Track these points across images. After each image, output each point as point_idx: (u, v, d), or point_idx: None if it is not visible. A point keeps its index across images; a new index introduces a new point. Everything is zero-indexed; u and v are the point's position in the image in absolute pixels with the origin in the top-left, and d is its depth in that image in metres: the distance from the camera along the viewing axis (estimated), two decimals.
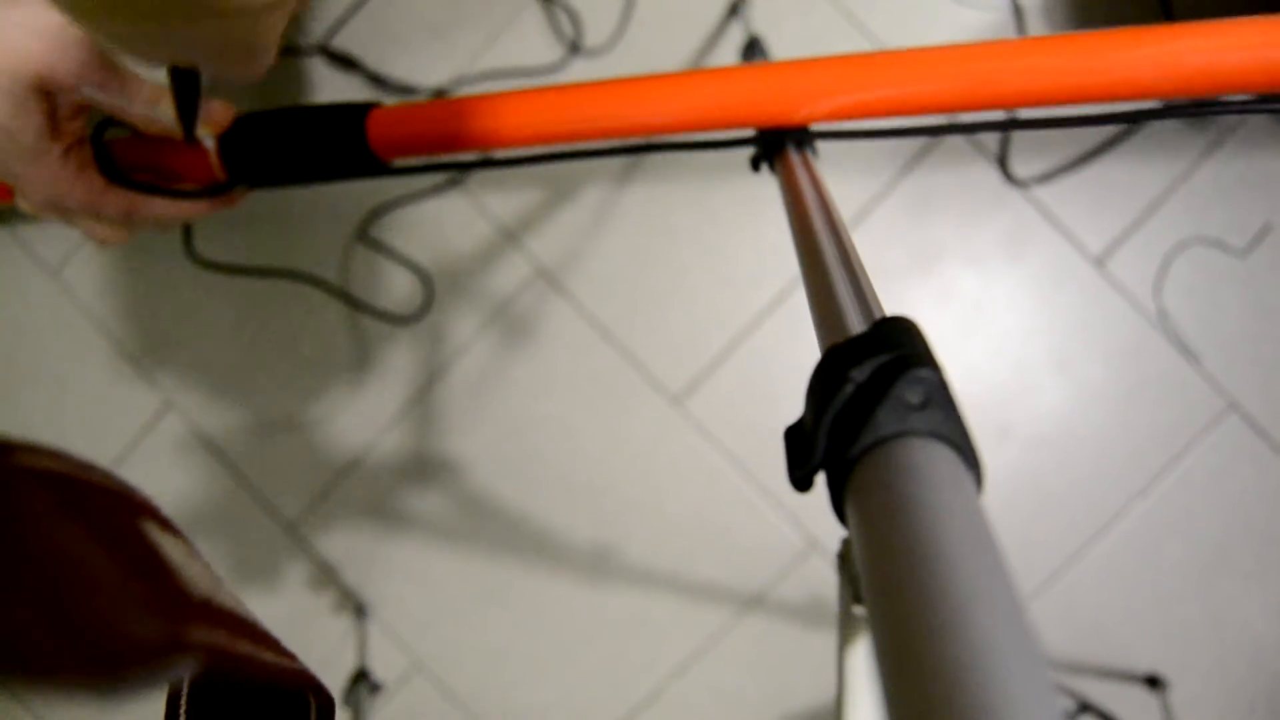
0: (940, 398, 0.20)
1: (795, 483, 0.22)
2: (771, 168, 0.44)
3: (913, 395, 0.20)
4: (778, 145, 0.44)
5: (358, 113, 0.45)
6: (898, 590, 0.17)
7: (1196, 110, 0.40)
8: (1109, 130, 0.94)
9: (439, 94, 0.98)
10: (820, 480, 0.22)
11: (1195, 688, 0.99)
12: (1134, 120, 0.41)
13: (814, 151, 0.44)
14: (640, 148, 0.51)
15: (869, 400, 0.20)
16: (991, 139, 0.95)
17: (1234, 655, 0.99)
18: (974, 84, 0.39)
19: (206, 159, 0.48)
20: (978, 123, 0.43)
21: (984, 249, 0.97)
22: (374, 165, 0.47)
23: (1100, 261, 0.96)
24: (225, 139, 0.47)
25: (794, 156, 0.42)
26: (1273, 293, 0.95)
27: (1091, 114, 0.41)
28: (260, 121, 0.47)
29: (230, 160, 0.47)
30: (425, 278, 1.01)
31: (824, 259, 0.30)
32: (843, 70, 0.41)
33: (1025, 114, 0.43)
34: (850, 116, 0.42)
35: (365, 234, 1.01)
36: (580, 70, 0.97)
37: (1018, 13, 0.94)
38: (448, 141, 0.45)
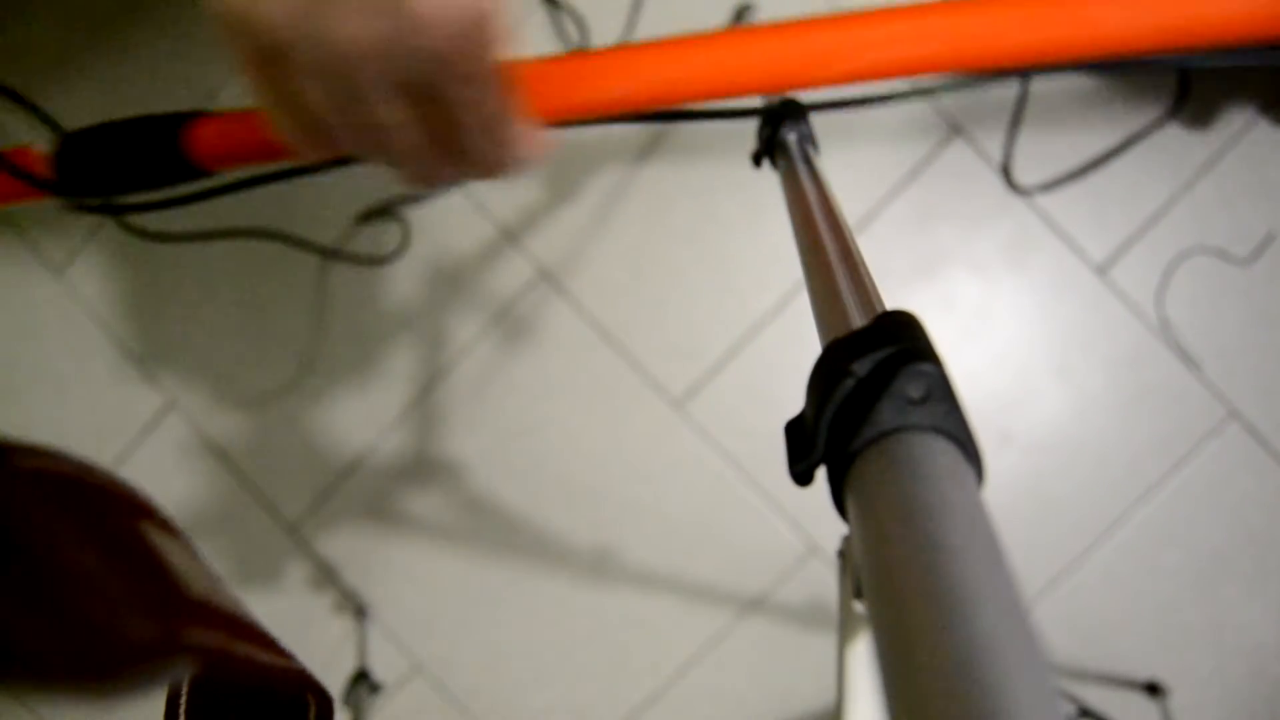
0: (941, 392, 0.20)
1: (795, 477, 0.22)
2: (773, 163, 0.44)
3: (914, 389, 0.20)
4: (788, 116, 0.43)
5: (173, 123, 0.44)
6: (898, 585, 0.17)
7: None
8: (1113, 139, 0.94)
9: None
10: (821, 475, 0.22)
11: (1195, 694, 0.98)
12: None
13: (815, 148, 0.44)
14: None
15: (870, 394, 0.20)
16: (995, 146, 0.95)
17: (1234, 662, 0.98)
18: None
19: None
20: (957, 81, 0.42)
21: (986, 256, 0.97)
22: (197, 173, 0.46)
23: (1103, 270, 0.96)
24: (59, 156, 0.46)
25: (795, 151, 0.42)
26: (1274, 302, 0.95)
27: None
28: (88, 137, 0.46)
29: (64, 174, 0.46)
30: (404, 224, 1.01)
31: (825, 253, 0.30)
32: (871, 25, 0.39)
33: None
34: (875, 75, 0.40)
35: (367, 217, 1.01)
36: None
37: None
38: (277, 151, 0.43)
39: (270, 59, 0.29)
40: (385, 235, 1.01)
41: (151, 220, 0.98)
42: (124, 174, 0.46)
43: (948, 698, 0.14)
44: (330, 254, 1.01)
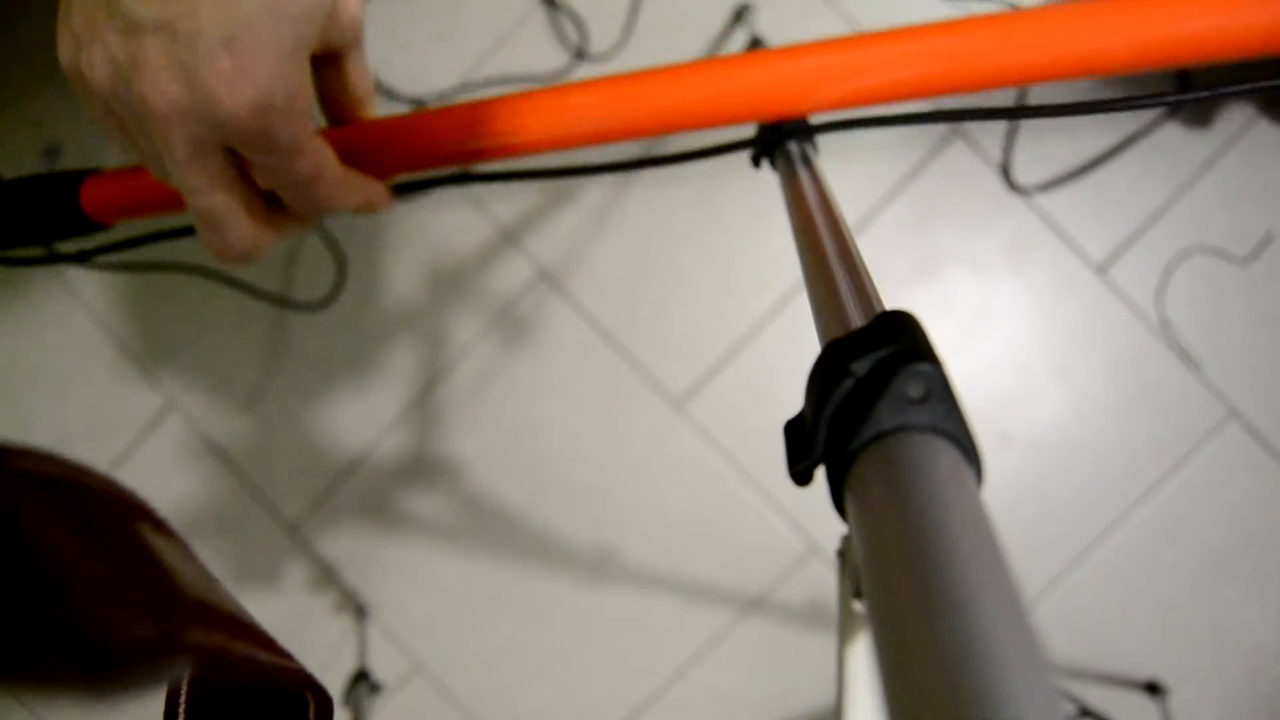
0: (940, 392, 0.20)
1: (795, 477, 0.22)
2: (773, 164, 0.44)
3: (913, 389, 0.20)
4: (777, 142, 0.43)
5: (71, 180, 0.47)
6: (897, 585, 0.17)
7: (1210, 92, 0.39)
8: (1112, 139, 0.94)
9: (441, 99, 0.99)
10: (820, 475, 0.22)
11: (1195, 694, 0.98)
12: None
13: (814, 148, 0.44)
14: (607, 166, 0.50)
15: (869, 394, 0.20)
16: (995, 146, 0.95)
17: (1233, 662, 0.98)
18: (998, 53, 0.37)
19: None
20: (980, 109, 0.42)
21: (986, 256, 0.97)
22: (94, 227, 0.48)
23: (1102, 269, 0.96)
24: None
25: (795, 152, 0.42)
26: (1274, 302, 0.95)
27: (1100, 100, 0.40)
28: None
29: None
30: (340, 257, 1.01)
31: (824, 254, 0.30)
32: (853, 50, 0.40)
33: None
34: (860, 102, 0.41)
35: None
36: (586, 75, 0.97)
37: None
38: (162, 204, 0.45)
39: (106, 112, 0.34)
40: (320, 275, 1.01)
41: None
42: (24, 229, 0.48)
43: (947, 697, 0.13)
44: (264, 296, 1.01)
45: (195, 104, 0.31)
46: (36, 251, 0.52)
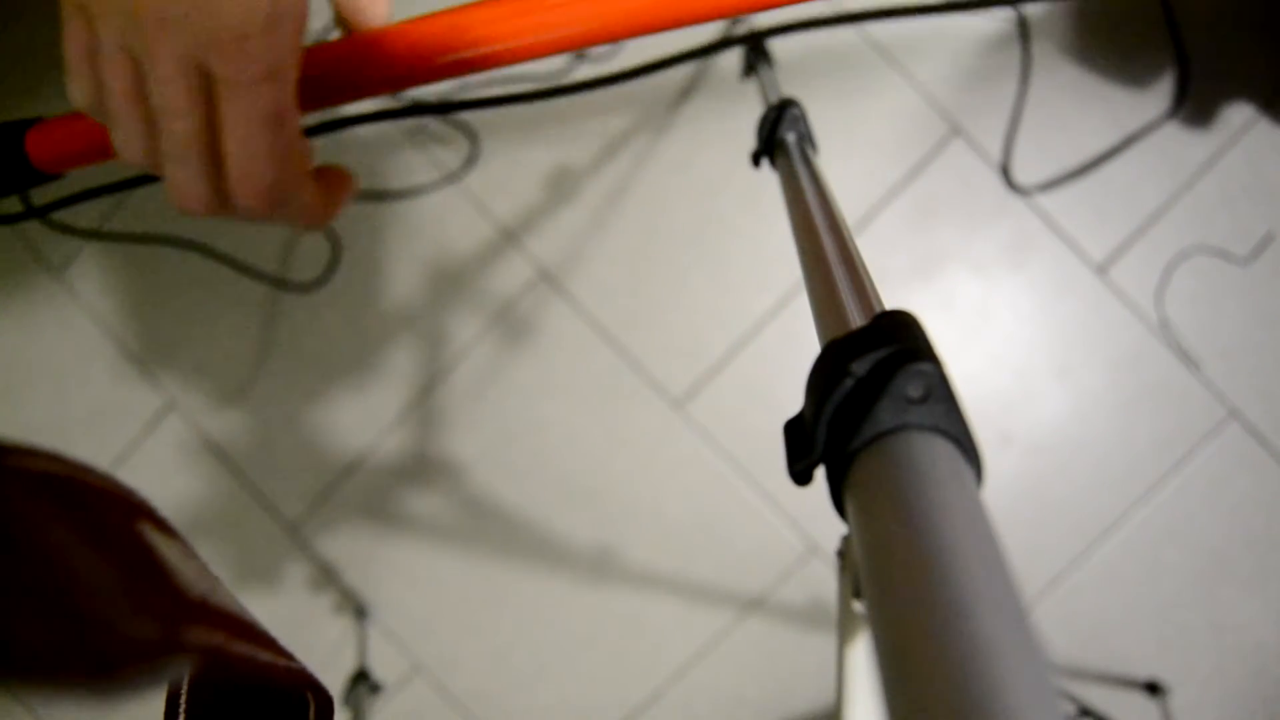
0: (940, 392, 0.20)
1: (794, 477, 0.22)
2: (772, 163, 0.44)
3: (913, 389, 0.20)
4: (779, 117, 0.43)
5: (15, 129, 0.46)
6: (897, 585, 0.17)
7: None
8: (1113, 138, 0.94)
9: (444, 99, 0.99)
10: (820, 475, 0.22)
11: (1195, 694, 0.98)
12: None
13: (814, 147, 0.44)
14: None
15: (869, 394, 0.20)
16: (995, 146, 0.95)
17: (1233, 661, 0.98)
18: None
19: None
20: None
21: (986, 256, 0.97)
22: (42, 178, 0.47)
23: (1102, 269, 0.96)
24: None
25: (794, 151, 0.42)
26: (1274, 302, 0.95)
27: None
28: None
29: None
30: (334, 241, 1.01)
31: (824, 254, 0.30)
32: None
33: None
34: None
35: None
36: (586, 76, 0.97)
37: (1022, 23, 0.94)
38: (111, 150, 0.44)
39: (88, 36, 0.34)
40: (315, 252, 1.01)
41: (82, 219, 1.00)
42: None
43: (947, 697, 0.13)
44: (253, 274, 1.02)
45: (185, 15, 0.32)
46: (15, 208, 0.50)
